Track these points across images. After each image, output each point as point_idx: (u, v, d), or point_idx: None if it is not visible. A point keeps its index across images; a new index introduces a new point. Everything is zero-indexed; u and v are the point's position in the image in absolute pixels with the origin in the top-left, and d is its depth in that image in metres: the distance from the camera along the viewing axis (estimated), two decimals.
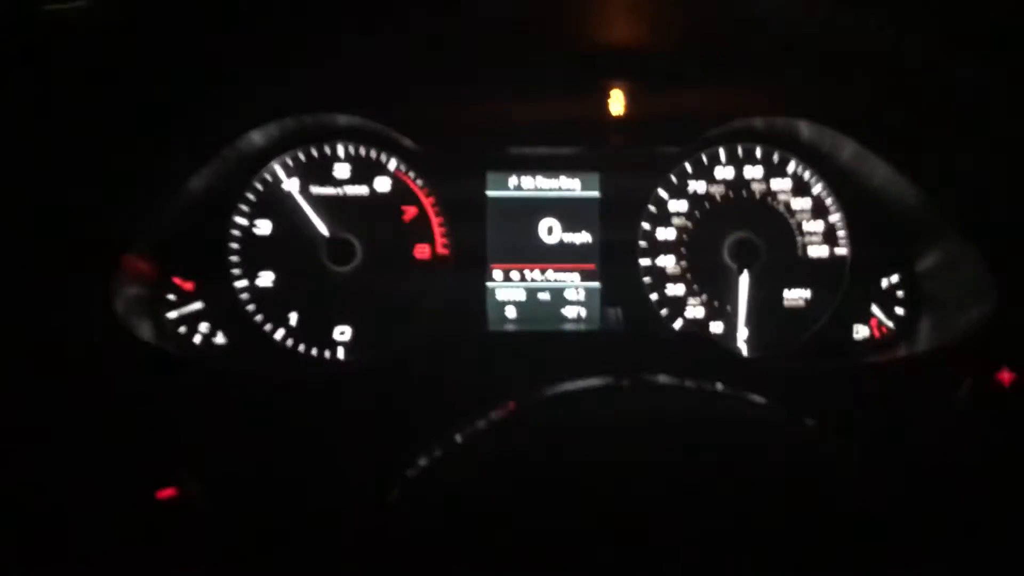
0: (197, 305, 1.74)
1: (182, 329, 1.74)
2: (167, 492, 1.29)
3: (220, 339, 1.76)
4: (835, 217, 1.83)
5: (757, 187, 1.83)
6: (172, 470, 1.32)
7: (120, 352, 1.48)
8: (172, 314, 1.73)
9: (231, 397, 1.46)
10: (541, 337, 1.66)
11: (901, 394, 1.51)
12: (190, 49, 1.35)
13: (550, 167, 1.81)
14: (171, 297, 1.73)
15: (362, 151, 1.82)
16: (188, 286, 1.74)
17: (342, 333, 1.79)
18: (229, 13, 1.34)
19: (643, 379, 0.99)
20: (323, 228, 1.77)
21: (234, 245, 1.77)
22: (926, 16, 1.31)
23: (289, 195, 1.79)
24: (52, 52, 1.30)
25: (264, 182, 1.79)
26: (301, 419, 1.44)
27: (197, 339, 1.75)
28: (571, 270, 1.82)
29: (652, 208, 1.83)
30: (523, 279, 1.82)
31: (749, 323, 1.81)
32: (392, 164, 1.82)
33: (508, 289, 1.82)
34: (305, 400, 1.47)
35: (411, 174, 1.81)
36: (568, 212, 1.81)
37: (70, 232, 1.39)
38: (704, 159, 1.84)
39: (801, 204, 1.83)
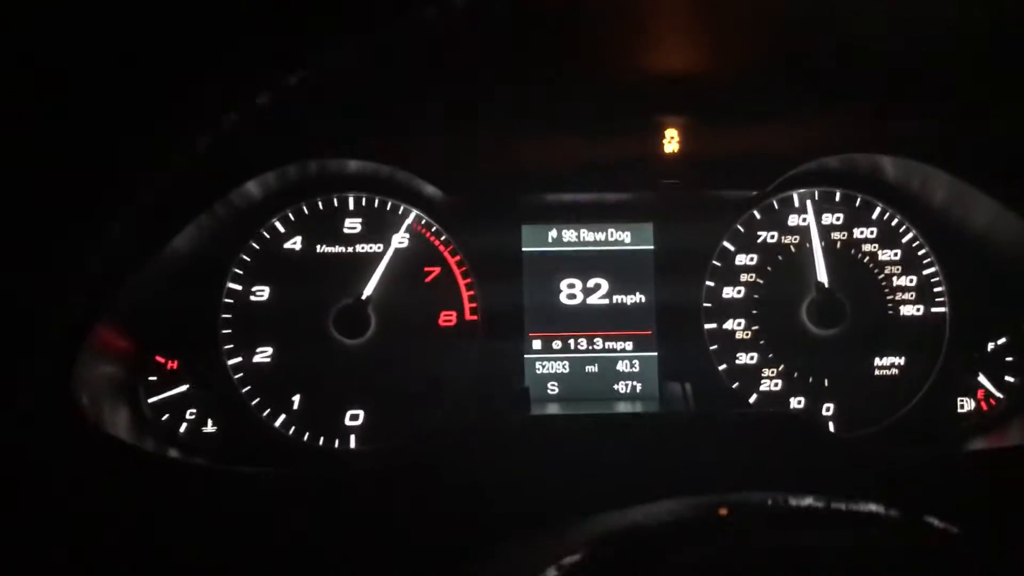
0: (182, 388, 1.55)
1: (165, 417, 1.54)
2: None
3: (210, 428, 1.55)
4: (930, 270, 1.62)
5: (838, 236, 1.63)
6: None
7: (86, 452, 1.25)
8: (153, 399, 1.54)
9: (225, 504, 1.24)
10: (594, 422, 1.43)
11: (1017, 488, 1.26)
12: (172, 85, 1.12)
13: (596, 217, 1.62)
14: (152, 379, 1.54)
15: (376, 203, 1.61)
16: (172, 365, 1.56)
17: (354, 418, 1.56)
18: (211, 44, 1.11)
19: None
20: (331, 294, 1.56)
21: (227, 316, 1.57)
22: None
23: (291, 256, 1.59)
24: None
25: (262, 241, 1.59)
26: (310, 528, 1.20)
27: (183, 428, 1.54)
28: (623, 337, 1.60)
29: (716, 263, 1.61)
30: (566, 349, 1.60)
31: (835, 397, 1.59)
32: (411, 217, 1.60)
33: (549, 361, 1.59)
34: (314, 506, 1.24)
35: (433, 228, 1.61)
36: (618, 269, 1.61)
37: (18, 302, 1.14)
38: (775, 205, 1.64)
39: (890, 255, 1.63)
